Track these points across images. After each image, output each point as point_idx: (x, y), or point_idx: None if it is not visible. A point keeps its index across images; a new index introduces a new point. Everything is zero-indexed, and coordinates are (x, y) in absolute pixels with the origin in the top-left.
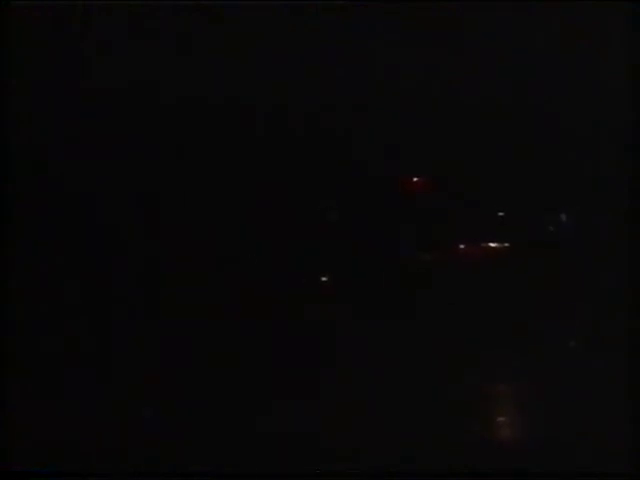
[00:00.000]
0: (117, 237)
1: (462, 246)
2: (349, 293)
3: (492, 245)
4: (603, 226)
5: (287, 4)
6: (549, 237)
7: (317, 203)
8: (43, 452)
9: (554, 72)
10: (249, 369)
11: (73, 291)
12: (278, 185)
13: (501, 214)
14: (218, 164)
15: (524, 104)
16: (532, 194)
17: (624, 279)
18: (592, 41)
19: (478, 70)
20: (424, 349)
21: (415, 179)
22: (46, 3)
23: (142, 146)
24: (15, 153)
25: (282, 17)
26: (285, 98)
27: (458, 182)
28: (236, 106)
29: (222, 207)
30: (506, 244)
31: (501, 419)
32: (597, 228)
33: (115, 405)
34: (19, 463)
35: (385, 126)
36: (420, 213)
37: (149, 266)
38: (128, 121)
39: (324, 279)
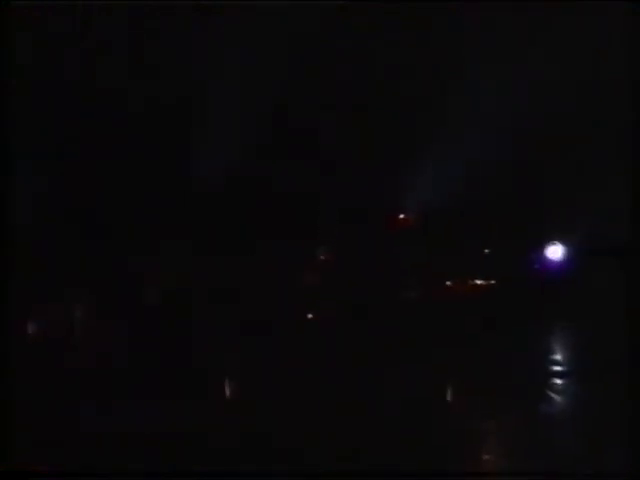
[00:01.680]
0: (115, 237)
1: (452, 282)
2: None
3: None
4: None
5: (287, 4)
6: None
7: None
8: (43, 452)
9: (554, 73)
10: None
11: (73, 291)
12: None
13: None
14: (215, 166)
15: (524, 107)
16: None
17: (624, 280)
18: (592, 41)
19: (476, 86)
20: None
21: (405, 215)
22: (46, 3)
23: (142, 146)
24: (15, 153)
25: (282, 17)
26: (285, 98)
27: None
28: (235, 107)
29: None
30: (495, 279)
31: (501, 420)
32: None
33: (116, 405)
34: (19, 463)
35: (385, 130)
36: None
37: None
38: (128, 120)
39: (315, 312)
